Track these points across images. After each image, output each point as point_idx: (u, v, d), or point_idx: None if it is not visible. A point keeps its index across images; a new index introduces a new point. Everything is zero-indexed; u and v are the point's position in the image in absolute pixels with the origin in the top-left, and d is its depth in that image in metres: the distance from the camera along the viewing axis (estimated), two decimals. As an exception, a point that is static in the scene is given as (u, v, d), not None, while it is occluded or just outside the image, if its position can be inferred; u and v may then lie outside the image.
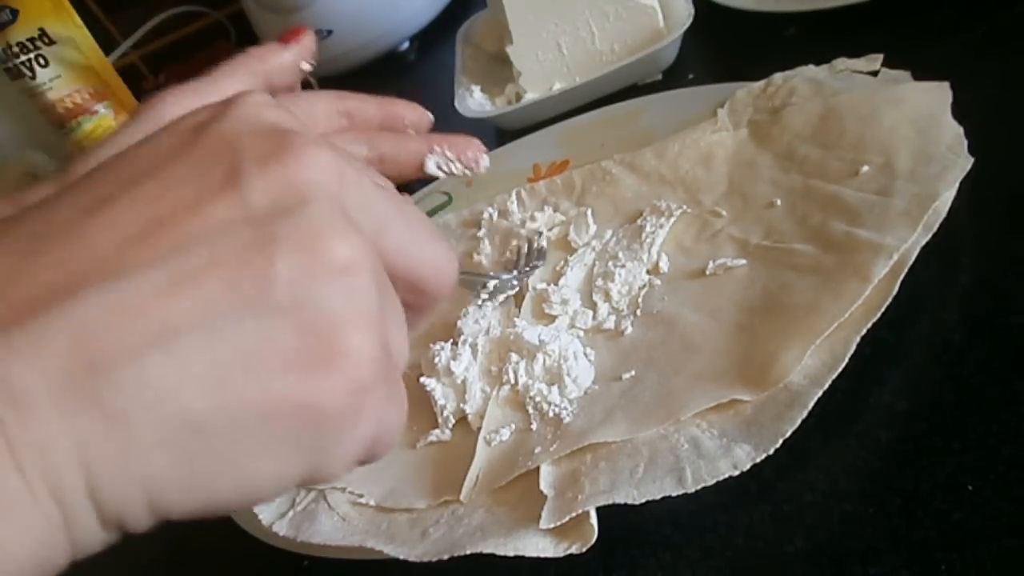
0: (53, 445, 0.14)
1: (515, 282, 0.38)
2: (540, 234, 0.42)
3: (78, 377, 0.14)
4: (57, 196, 0.16)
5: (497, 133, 0.59)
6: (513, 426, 0.33)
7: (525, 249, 0.40)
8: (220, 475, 0.15)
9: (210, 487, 0.15)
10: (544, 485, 0.29)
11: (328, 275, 0.16)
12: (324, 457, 0.16)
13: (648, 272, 0.38)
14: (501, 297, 0.39)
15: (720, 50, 0.57)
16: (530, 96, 0.56)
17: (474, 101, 0.59)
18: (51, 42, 0.86)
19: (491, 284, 0.37)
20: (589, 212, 0.43)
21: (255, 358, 0.15)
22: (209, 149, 0.17)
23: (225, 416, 0.15)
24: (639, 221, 0.40)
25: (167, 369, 0.14)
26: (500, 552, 0.27)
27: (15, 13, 0.84)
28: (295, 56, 0.31)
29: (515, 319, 0.38)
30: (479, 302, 0.39)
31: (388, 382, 0.17)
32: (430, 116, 0.34)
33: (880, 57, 0.40)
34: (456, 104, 0.58)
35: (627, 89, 0.54)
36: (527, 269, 0.39)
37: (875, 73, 0.40)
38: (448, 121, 0.58)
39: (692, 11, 0.52)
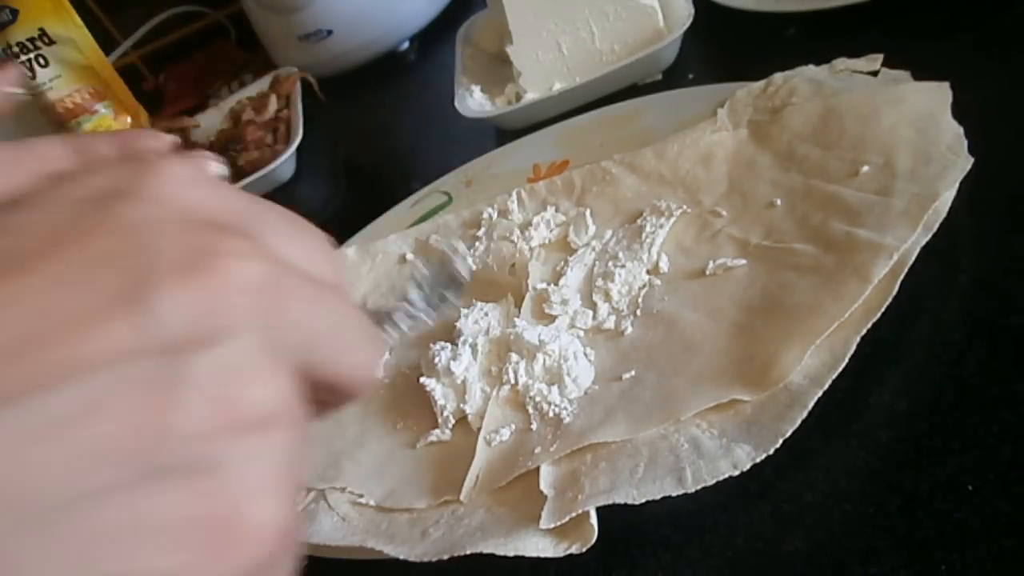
0: None
1: (426, 317, 0.28)
2: (457, 251, 0.34)
3: None
4: None
5: (497, 133, 0.59)
6: (513, 426, 0.33)
7: (430, 276, 0.31)
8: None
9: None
10: (544, 485, 0.29)
11: (240, 431, 0.13)
12: None
13: (648, 272, 0.38)
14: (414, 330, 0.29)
15: (720, 50, 0.57)
16: (530, 96, 0.56)
17: (474, 101, 0.59)
18: (51, 42, 0.86)
19: (400, 324, 0.27)
20: (588, 212, 0.43)
21: (134, 534, 0.12)
22: (113, 240, 0.13)
23: None
24: (639, 221, 0.40)
25: (24, 542, 0.11)
26: (500, 552, 0.27)
27: (15, 13, 0.84)
28: None
29: (515, 319, 0.38)
30: (391, 343, 0.32)
31: (288, 553, 0.14)
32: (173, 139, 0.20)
33: (880, 57, 0.40)
34: (456, 104, 0.58)
35: (627, 89, 0.54)
36: (437, 301, 0.30)
37: (875, 73, 0.40)
38: (448, 121, 0.58)
39: (692, 11, 0.52)
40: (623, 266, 0.38)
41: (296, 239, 0.16)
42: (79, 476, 0.11)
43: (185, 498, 0.12)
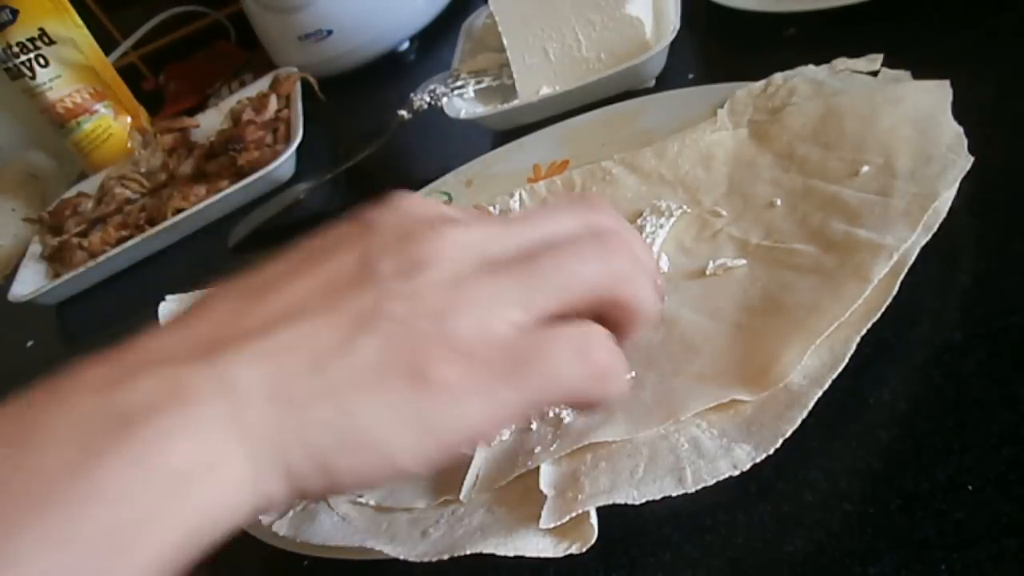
0: (258, 426, 0.19)
1: None
2: None
3: (275, 383, 0.20)
4: (267, 265, 0.23)
5: (496, 133, 0.59)
6: (513, 426, 0.33)
7: None
8: (367, 450, 0.20)
9: (362, 459, 0.20)
10: (544, 485, 0.29)
11: (419, 302, 0.21)
12: (441, 436, 0.21)
13: (648, 272, 0.38)
14: None
15: (720, 50, 0.57)
16: (515, 100, 0.57)
17: (463, 101, 0.59)
18: (51, 42, 0.86)
19: None
20: (589, 212, 0.43)
21: (379, 374, 0.20)
22: (366, 239, 0.23)
23: (377, 426, 0.20)
24: (639, 221, 0.40)
25: (333, 379, 0.20)
26: (500, 552, 0.27)
27: (15, 13, 0.84)
28: None
29: (515, 319, 0.38)
30: None
31: (489, 376, 0.21)
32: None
33: (880, 57, 0.40)
34: (443, 104, 0.59)
35: (624, 91, 0.54)
36: None
37: (875, 73, 0.40)
38: (448, 121, 0.58)
39: (678, 25, 0.52)
40: (623, 266, 0.38)
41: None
42: (341, 341, 0.21)
43: (394, 349, 0.21)
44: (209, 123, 0.83)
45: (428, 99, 0.60)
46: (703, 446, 0.28)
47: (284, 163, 0.69)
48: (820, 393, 0.27)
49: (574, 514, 0.27)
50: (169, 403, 0.19)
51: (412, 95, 0.60)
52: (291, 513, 0.33)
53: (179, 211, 0.71)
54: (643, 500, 0.27)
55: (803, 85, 0.41)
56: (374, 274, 0.22)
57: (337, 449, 0.20)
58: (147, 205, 0.76)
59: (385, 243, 0.23)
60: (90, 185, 0.85)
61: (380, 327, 0.21)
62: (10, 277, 0.77)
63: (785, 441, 0.26)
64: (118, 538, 0.17)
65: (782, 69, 0.43)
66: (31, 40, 0.85)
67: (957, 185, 0.31)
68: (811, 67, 0.42)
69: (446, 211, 0.24)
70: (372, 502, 0.32)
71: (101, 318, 0.70)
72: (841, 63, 0.41)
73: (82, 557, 0.17)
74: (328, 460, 0.20)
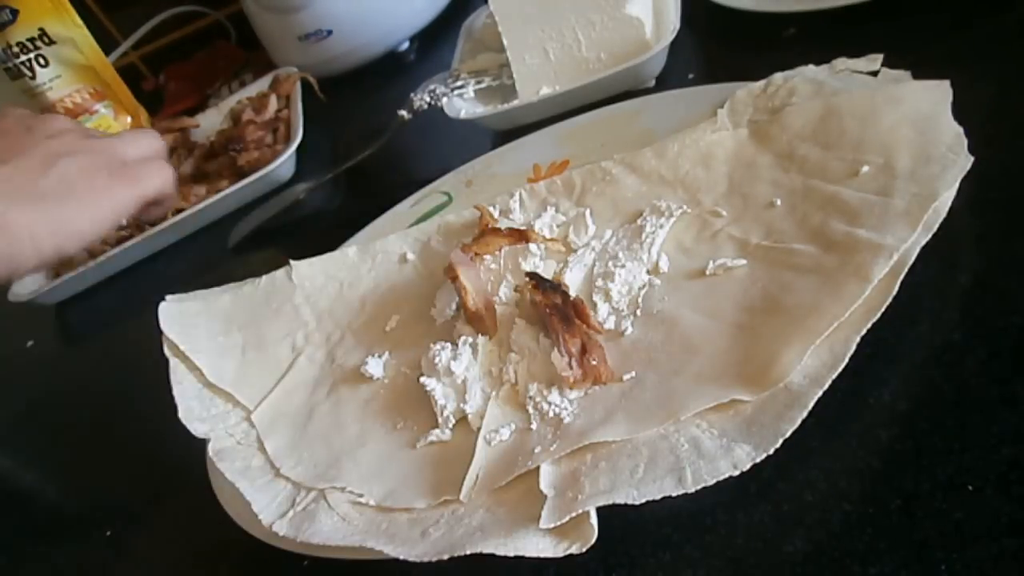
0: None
1: None
2: None
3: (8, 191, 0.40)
4: None
5: (496, 133, 0.59)
6: (513, 426, 0.33)
7: None
8: (75, 219, 0.42)
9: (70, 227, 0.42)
10: (544, 485, 0.29)
11: (85, 148, 0.45)
12: (114, 215, 0.44)
13: (648, 272, 0.38)
14: None
15: (720, 50, 0.57)
16: (515, 100, 0.57)
17: (463, 101, 0.59)
18: (51, 42, 0.86)
19: None
20: (588, 212, 0.43)
21: (79, 176, 0.43)
22: (12, 125, 0.45)
23: (77, 191, 0.42)
24: (639, 221, 0.40)
25: (44, 185, 0.41)
26: (500, 552, 0.27)
27: (15, 13, 0.84)
28: None
29: (515, 319, 0.38)
30: None
31: (126, 179, 0.45)
32: None
33: (880, 57, 0.40)
34: (443, 104, 0.59)
35: (623, 91, 0.54)
36: None
37: (875, 73, 0.40)
38: (448, 121, 0.58)
39: (678, 25, 0.52)
40: (623, 266, 0.38)
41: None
42: (49, 160, 0.43)
43: (84, 161, 0.44)
44: (209, 123, 0.83)
45: (428, 99, 0.60)
46: (703, 446, 0.28)
47: (284, 163, 0.69)
48: (820, 393, 0.27)
49: (574, 514, 0.27)
50: None
51: (412, 95, 0.60)
52: (291, 513, 0.33)
53: (179, 211, 0.71)
54: (643, 500, 0.27)
55: (803, 85, 0.41)
56: (35, 134, 0.44)
57: (57, 226, 0.41)
58: (147, 205, 0.76)
59: (30, 123, 0.45)
60: (90, 185, 0.85)
61: (67, 154, 0.43)
62: (10, 277, 0.77)
63: (785, 441, 0.26)
64: None
65: (782, 69, 0.43)
66: (31, 40, 0.85)
67: (957, 185, 0.31)
68: (811, 67, 0.42)
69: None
70: (372, 502, 0.32)
71: (101, 318, 0.70)
72: (841, 63, 0.41)
73: None
74: (49, 233, 0.41)
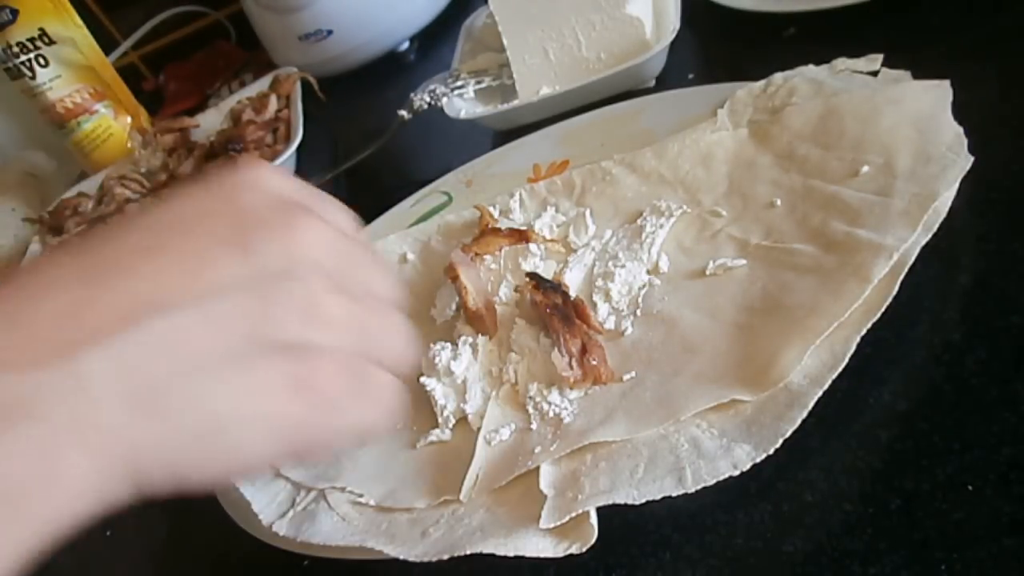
0: (110, 435, 0.19)
1: None
2: None
3: (133, 388, 0.19)
4: (108, 237, 0.21)
5: (496, 133, 0.59)
6: (513, 426, 0.33)
7: None
8: (227, 455, 0.21)
9: (219, 463, 0.21)
10: (544, 485, 0.29)
11: (319, 325, 0.22)
12: (313, 443, 0.23)
13: (648, 272, 0.38)
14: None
15: (720, 50, 0.57)
16: (516, 100, 0.57)
17: (463, 101, 0.59)
18: (51, 42, 0.86)
19: None
20: (588, 212, 0.43)
21: (260, 386, 0.21)
22: (229, 217, 0.22)
23: (236, 418, 0.20)
24: (639, 221, 0.40)
25: (203, 386, 0.20)
26: (500, 552, 0.27)
27: (15, 13, 0.84)
28: None
29: (516, 319, 0.38)
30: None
31: (358, 398, 0.23)
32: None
33: (880, 57, 0.40)
34: (443, 104, 0.59)
35: (624, 91, 0.54)
36: None
37: (875, 73, 0.40)
38: (448, 121, 0.58)
39: (678, 25, 0.52)
40: (623, 266, 0.38)
41: (340, 215, 0.25)
42: (221, 346, 0.20)
43: (283, 361, 0.21)
44: (209, 123, 0.83)
45: (428, 99, 0.60)
46: (703, 446, 0.28)
47: (284, 163, 0.69)
48: (820, 393, 0.27)
49: (574, 514, 0.27)
50: (15, 410, 0.18)
51: (412, 95, 0.60)
52: (291, 513, 0.33)
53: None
54: (643, 500, 0.27)
55: (803, 85, 0.41)
56: (249, 264, 0.21)
57: (194, 454, 0.20)
58: (147, 205, 0.76)
59: (253, 228, 0.21)
60: (90, 185, 0.85)
61: (264, 335, 0.21)
62: (10, 277, 0.77)
63: (785, 441, 0.26)
64: None
65: (782, 69, 0.43)
66: (31, 40, 0.85)
67: (957, 185, 0.31)
68: (811, 67, 0.42)
69: (297, 194, 0.24)
70: (372, 502, 0.32)
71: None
72: (841, 63, 0.41)
73: None
74: (182, 463, 0.20)
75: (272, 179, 0.23)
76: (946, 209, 0.31)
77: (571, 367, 0.33)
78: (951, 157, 0.32)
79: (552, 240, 0.42)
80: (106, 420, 0.19)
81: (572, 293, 0.38)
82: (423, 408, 0.36)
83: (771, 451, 0.26)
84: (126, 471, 0.19)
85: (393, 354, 0.25)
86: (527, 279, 0.37)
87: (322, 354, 0.22)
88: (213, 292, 0.20)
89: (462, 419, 0.35)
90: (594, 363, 0.33)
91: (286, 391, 0.21)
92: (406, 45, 0.85)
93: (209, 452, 0.20)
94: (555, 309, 0.35)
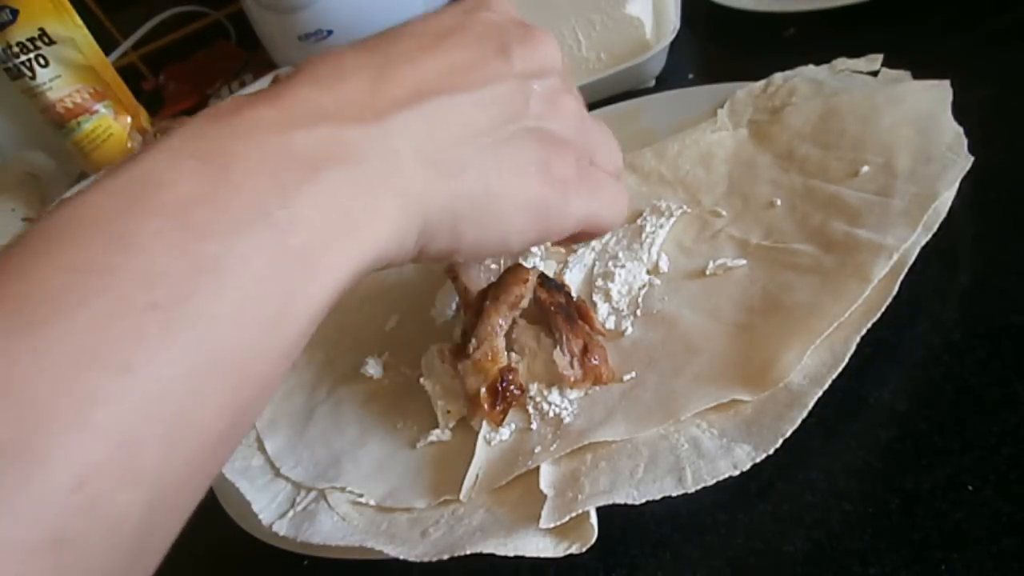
0: (411, 185, 0.23)
1: None
2: None
3: (426, 150, 0.23)
4: (387, 40, 0.26)
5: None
6: (513, 426, 0.33)
7: None
8: (493, 224, 0.25)
9: (486, 231, 0.25)
10: (544, 485, 0.29)
11: (559, 116, 0.27)
12: (551, 224, 0.27)
13: (648, 272, 0.38)
14: None
15: (720, 50, 0.57)
16: None
17: None
18: (51, 42, 0.86)
19: None
20: (589, 212, 0.43)
21: (520, 162, 0.25)
22: (482, 29, 0.27)
23: (501, 186, 0.25)
24: (639, 221, 0.40)
25: (478, 156, 0.24)
26: (500, 552, 0.27)
27: (15, 13, 0.84)
28: None
29: (516, 318, 0.38)
30: None
31: (589, 183, 0.28)
32: None
33: (880, 57, 0.40)
34: None
35: (623, 92, 0.54)
36: None
37: (875, 73, 0.40)
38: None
39: (678, 25, 0.52)
40: (623, 266, 0.38)
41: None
42: (495, 123, 0.25)
43: (537, 144, 0.26)
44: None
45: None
46: (703, 446, 0.28)
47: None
48: (820, 393, 0.27)
49: (574, 514, 0.27)
50: (344, 155, 0.22)
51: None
52: (291, 513, 0.33)
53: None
54: (643, 500, 0.27)
55: (803, 85, 0.41)
56: (511, 67, 0.26)
57: (469, 217, 0.25)
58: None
59: (509, 40, 0.27)
60: (90, 185, 0.85)
61: (523, 119, 0.26)
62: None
63: (785, 441, 0.26)
64: (308, 258, 0.20)
65: (782, 69, 0.43)
66: (31, 40, 0.84)
67: (957, 185, 0.31)
68: (811, 67, 0.42)
69: (517, 17, 0.29)
70: (372, 502, 0.32)
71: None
72: (841, 63, 0.41)
73: (281, 271, 0.19)
74: (459, 225, 0.24)
75: (500, 3, 0.29)
76: (946, 209, 0.31)
77: (572, 366, 0.33)
78: (951, 157, 0.32)
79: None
80: (408, 171, 0.23)
81: (573, 294, 0.38)
82: (423, 408, 0.36)
83: (771, 451, 0.26)
84: (421, 222, 0.23)
85: (608, 157, 0.30)
86: (536, 271, 0.37)
87: (561, 142, 0.27)
88: (482, 83, 0.25)
89: (462, 419, 0.35)
90: (595, 363, 0.33)
91: (537, 169, 0.26)
92: (406, 45, 0.85)
93: (483, 217, 0.25)
94: (559, 308, 0.35)
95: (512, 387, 0.32)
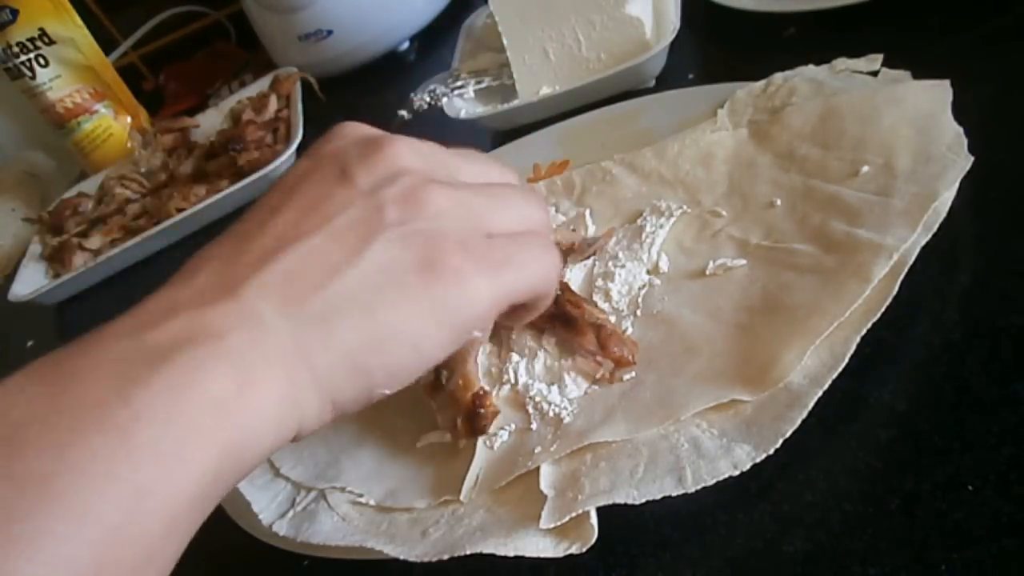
0: (285, 346, 0.22)
1: None
2: None
3: (290, 306, 0.22)
4: (243, 218, 0.26)
5: (495, 133, 0.59)
6: (513, 426, 0.33)
7: None
8: (397, 347, 0.24)
9: (395, 357, 0.24)
10: (544, 485, 0.29)
11: (423, 210, 0.25)
12: (461, 318, 0.24)
13: (648, 272, 0.38)
14: None
15: (720, 50, 0.57)
16: (515, 100, 0.57)
17: (463, 101, 0.59)
18: (51, 42, 0.86)
19: None
20: (588, 212, 0.43)
21: (396, 273, 0.24)
22: (326, 162, 0.26)
23: (391, 308, 0.23)
24: (639, 221, 0.40)
25: (351, 290, 0.23)
26: (500, 552, 0.27)
27: (15, 13, 0.84)
28: None
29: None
30: None
31: (490, 258, 0.25)
32: None
33: (880, 57, 0.40)
34: (443, 104, 0.59)
35: (624, 91, 0.54)
36: None
37: (875, 73, 0.40)
38: (448, 121, 0.58)
39: (678, 25, 0.52)
40: (623, 266, 0.38)
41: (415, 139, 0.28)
42: (354, 251, 0.24)
43: (404, 250, 0.24)
44: (209, 123, 0.84)
45: (428, 99, 0.60)
46: (703, 446, 0.28)
47: (284, 163, 0.69)
48: (820, 393, 0.27)
49: (574, 514, 0.27)
50: (200, 338, 0.21)
51: (412, 95, 0.60)
52: (291, 513, 0.33)
53: (179, 211, 0.71)
54: (643, 500, 0.27)
55: (803, 85, 0.41)
56: (355, 187, 0.25)
57: (366, 348, 0.23)
58: (147, 205, 0.76)
59: (349, 162, 0.26)
60: (90, 185, 0.85)
61: (382, 232, 0.24)
62: (10, 277, 0.77)
63: (785, 441, 0.26)
64: (162, 456, 0.19)
65: (782, 69, 0.43)
66: (31, 40, 0.85)
67: (957, 185, 0.31)
68: (811, 67, 0.42)
69: (378, 131, 0.29)
70: (372, 502, 0.32)
71: (101, 318, 0.70)
72: (841, 63, 0.41)
73: (130, 473, 0.18)
74: (362, 364, 0.23)
75: (348, 127, 0.29)
76: (946, 209, 0.31)
77: (599, 363, 0.33)
78: (951, 157, 0.32)
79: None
80: (278, 334, 0.22)
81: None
82: (423, 408, 0.36)
83: (771, 451, 0.26)
84: (311, 379, 0.22)
85: (512, 220, 0.27)
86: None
87: (436, 234, 0.25)
88: (331, 216, 0.24)
89: (462, 419, 0.35)
90: (616, 351, 0.33)
91: (417, 274, 0.24)
92: (406, 45, 0.85)
93: (382, 345, 0.23)
94: (552, 319, 0.35)
95: (484, 410, 0.32)
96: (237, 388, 0.20)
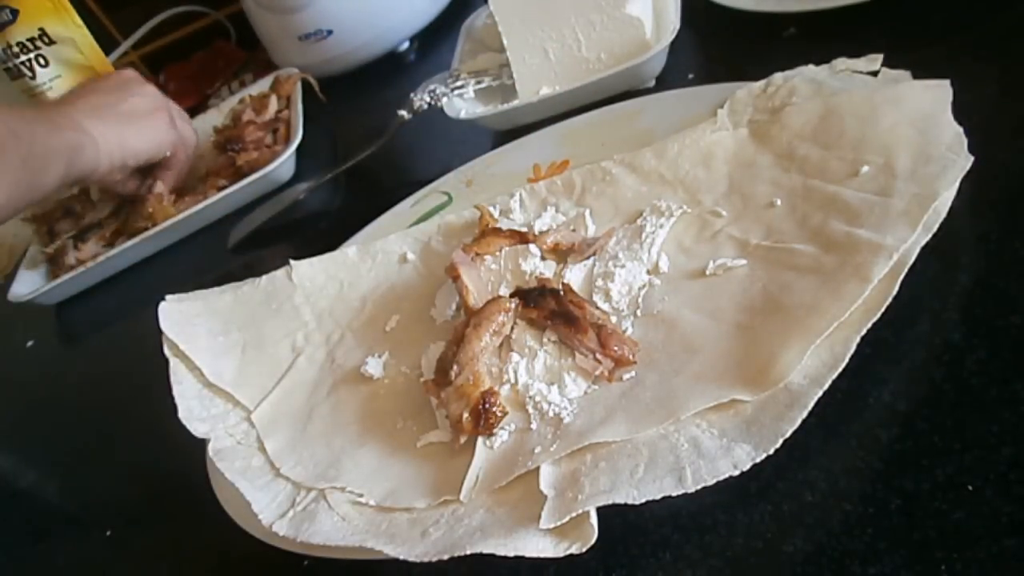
0: (92, 132, 0.64)
1: None
2: None
3: (93, 118, 0.65)
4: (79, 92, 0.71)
5: (496, 133, 0.59)
6: (513, 426, 0.33)
7: None
8: (136, 137, 0.68)
9: (137, 144, 0.68)
10: (544, 485, 0.29)
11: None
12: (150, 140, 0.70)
13: (648, 272, 0.38)
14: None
15: (720, 50, 0.57)
16: (516, 100, 0.57)
17: (463, 101, 0.59)
18: (51, 42, 0.86)
19: None
20: (588, 212, 0.43)
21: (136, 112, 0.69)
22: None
23: (141, 120, 0.69)
24: (639, 221, 0.40)
25: (127, 106, 0.68)
26: (500, 552, 0.27)
27: (15, 13, 0.84)
28: None
29: (516, 319, 0.38)
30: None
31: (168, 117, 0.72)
32: None
33: (880, 57, 0.40)
34: (443, 104, 0.59)
35: (624, 91, 0.54)
36: None
37: (875, 73, 0.40)
38: (448, 121, 0.58)
39: (678, 25, 0.52)
40: (623, 266, 0.38)
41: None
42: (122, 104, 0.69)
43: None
44: (209, 123, 0.83)
45: (428, 99, 0.60)
46: (703, 446, 0.28)
47: (284, 163, 0.69)
48: (820, 393, 0.27)
49: (574, 514, 0.27)
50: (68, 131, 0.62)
51: (412, 95, 0.60)
52: (291, 513, 0.33)
53: (162, 221, 0.71)
54: (643, 500, 0.27)
55: (803, 85, 0.41)
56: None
57: (125, 139, 0.66)
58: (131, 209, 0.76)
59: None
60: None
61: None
62: (10, 277, 0.77)
63: (785, 441, 0.26)
64: (45, 164, 0.58)
65: (782, 69, 0.43)
66: (31, 40, 0.85)
67: (957, 185, 0.31)
68: (811, 67, 0.42)
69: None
70: (372, 502, 0.32)
71: (101, 318, 0.70)
72: (841, 63, 0.41)
73: (28, 169, 0.57)
74: (119, 144, 0.65)
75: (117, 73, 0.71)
76: (946, 209, 0.31)
77: (598, 361, 0.33)
78: (951, 157, 0.32)
79: (554, 245, 0.42)
80: (94, 132, 0.63)
81: (557, 287, 0.38)
82: (423, 408, 0.36)
83: (771, 451, 0.26)
84: (102, 143, 0.64)
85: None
86: (517, 301, 0.37)
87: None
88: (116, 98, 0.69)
89: (462, 419, 0.35)
90: (616, 350, 0.33)
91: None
92: (406, 45, 0.85)
93: (130, 133, 0.66)
94: (553, 315, 0.35)
95: (495, 409, 0.32)
96: (78, 144, 0.60)
